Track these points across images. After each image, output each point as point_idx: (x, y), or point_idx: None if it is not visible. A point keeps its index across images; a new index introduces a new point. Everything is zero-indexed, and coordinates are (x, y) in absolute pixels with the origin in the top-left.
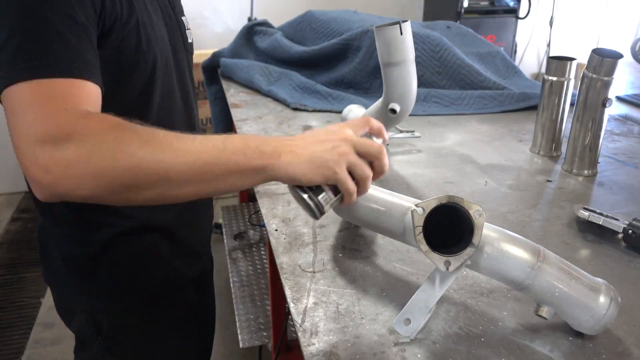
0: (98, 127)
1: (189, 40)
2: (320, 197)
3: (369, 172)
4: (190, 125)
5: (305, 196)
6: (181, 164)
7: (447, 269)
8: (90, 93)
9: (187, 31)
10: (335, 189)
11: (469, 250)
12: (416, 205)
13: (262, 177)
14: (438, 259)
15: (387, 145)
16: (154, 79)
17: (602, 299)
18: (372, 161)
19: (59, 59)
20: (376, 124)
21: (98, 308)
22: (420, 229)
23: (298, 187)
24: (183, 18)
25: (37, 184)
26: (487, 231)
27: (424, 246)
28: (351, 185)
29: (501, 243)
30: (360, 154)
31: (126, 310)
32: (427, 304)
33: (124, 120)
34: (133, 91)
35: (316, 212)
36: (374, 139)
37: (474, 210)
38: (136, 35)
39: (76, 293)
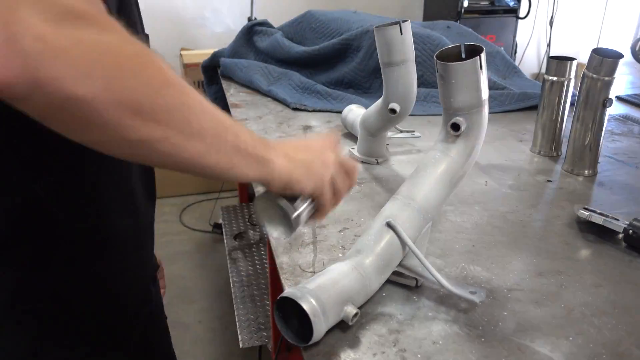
0: (120, 27)
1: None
2: (297, 205)
3: (345, 186)
4: None
5: (282, 204)
6: (200, 111)
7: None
8: None
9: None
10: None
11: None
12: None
13: (261, 170)
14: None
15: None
16: None
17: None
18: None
19: None
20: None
21: None
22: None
23: (273, 197)
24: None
25: (15, 56)
26: None
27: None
28: (330, 198)
29: None
30: (341, 167)
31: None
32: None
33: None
34: None
35: (293, 224)
36: None
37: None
38: None
39: None
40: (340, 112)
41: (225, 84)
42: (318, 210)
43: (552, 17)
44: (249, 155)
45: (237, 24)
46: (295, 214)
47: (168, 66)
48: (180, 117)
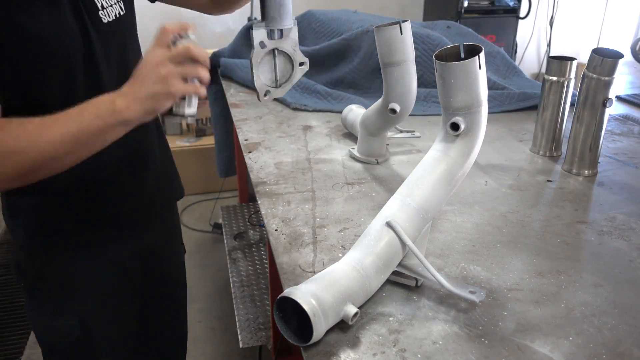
0: None
1: (106, 20)
2: (175, 109)
3: (193, 70)
4: None
5: (173, 116)
6: (55, 143)
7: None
8: None
9: (101, 11)
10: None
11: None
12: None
13: (125, 128)
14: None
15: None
16: (46, 76)
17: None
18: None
19: None
20: (172, 26)
21: (21, 246)
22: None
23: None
24: None
25: None
26: None
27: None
28: (187, 88)
29: None
30: (180, 61)
31: (45, 251)
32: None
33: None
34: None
35: (179, 119)
36: (189, 36)
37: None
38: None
39: (11, 228)
40: (340, 112)
41: (225, 84)
42: (193, 93)
43: (552, 17)
44: (106, 130)
45: (237, 23)
46: (187, 112)
47: (17, 130)
48: (49, 157)
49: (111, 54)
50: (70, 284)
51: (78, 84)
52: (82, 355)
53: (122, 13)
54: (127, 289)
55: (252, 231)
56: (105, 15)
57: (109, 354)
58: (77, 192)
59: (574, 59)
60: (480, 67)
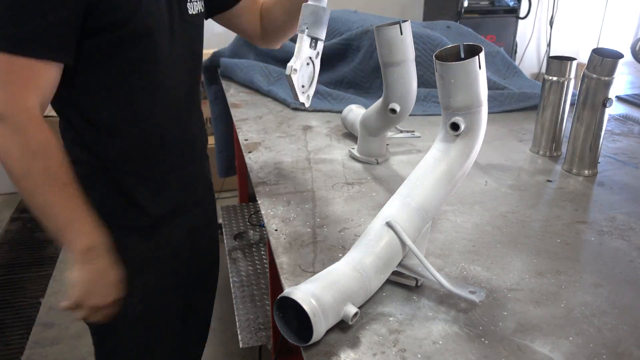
0: (24, 129)
1: (191, 12)
2: None
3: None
4: (191, 90)
5: None
6: (32, 194)
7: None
8: (45, 76)
9: (189, 4)
10: None
11: None
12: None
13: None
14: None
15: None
16: (145, 48)
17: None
18: None
19: (30, 36)
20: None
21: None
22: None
23: None
24: None
25: None
26: None
27: None
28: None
29: None
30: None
31: (117, 230)
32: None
33: (45, 144)
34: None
35: None
36: None
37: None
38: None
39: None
40: (340, 112)
41: (225, 84)
42: None
43: (552, 17)
44: (53, 229)
45: None
46: None
47: (48, 172)
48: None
49: (185, 42)
50: (136, 261)
51: (158, 58)
52: (141, 331)
53: (202, 11)
54: (179, 266)
55: (252, 231)
56: (191, 8)
57: (164, 330)
58: (149, 172)
59: (574, 59)
60: (480, 67)
